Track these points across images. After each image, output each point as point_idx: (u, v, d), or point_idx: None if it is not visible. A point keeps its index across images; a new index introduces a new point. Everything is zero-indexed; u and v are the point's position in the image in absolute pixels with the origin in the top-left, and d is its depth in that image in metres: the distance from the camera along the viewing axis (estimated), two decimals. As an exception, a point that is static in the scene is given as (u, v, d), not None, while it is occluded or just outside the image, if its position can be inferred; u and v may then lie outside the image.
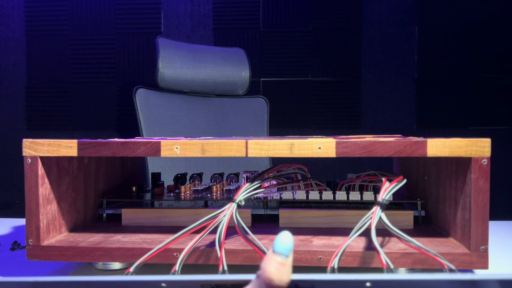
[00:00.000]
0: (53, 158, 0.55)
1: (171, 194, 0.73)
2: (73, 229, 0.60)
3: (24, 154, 0.53)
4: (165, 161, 1.45)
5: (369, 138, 0.56)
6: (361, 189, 0.67)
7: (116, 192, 0.73)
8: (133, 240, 0.55)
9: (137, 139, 0.56)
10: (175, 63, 1.52)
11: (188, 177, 0.81)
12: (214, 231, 0.46)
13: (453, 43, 2.03)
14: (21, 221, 0.90)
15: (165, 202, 0.68)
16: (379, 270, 0.49)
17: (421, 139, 0.50)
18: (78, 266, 0.60)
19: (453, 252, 0.49)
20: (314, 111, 2.07)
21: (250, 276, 0.29)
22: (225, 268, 0.42)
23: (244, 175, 0.74)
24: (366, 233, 0.44)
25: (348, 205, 0.64)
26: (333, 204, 0.64)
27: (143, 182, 0.86)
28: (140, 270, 0.46)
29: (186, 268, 0.44)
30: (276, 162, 1.57)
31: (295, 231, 0.58)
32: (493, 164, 0.50)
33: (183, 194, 0.72)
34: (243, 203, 0.49)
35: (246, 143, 0.51)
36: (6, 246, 0.71)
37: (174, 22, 2.09)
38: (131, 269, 0.41)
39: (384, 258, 0.40)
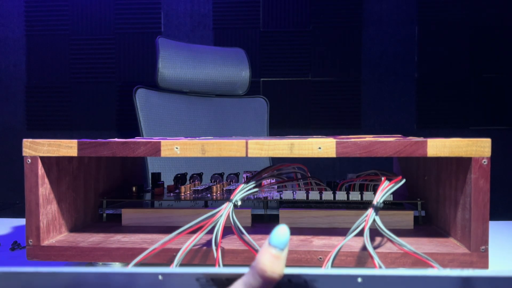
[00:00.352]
0: (53, 158, 0.55)
1: (171, 194, 0.73)
2: (73, 229, 0.60)
3: (24, 154, 0.53)
4: (165, 161, 1.45)
5: (369, 138, 0.56)
6: (361, 189, 0.67)
7: (116, 192, 0.73)
8: (133, 240, 0.55)
9: (137, 139, 0.56)
10: (175, 63, 1.52)
11: (188, 177, 0.81)
12: (212, 231, 0.46)
13: (453, 43, 2.03)
14: (21, 221, 0.90)
15: (165, 202, 0.68)
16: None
17: (421, 139, 0.50)
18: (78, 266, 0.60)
19: (453, 252, 0.49)
20: (314, 111, 2.07)
21: (245, 269, 0.29)
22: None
23: (244, 175, 0.74)
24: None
25: (348, 205, 0.64)
26: (333, 204, 0.64)
27: (143, 182, 0.86)
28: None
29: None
30: (276, 162, 1.57)
31: (295, 231, 0.58)
32: (493, 164, 0.50)
33: (183, 194, 0.72)
34: (239, 203, 0.49)
35: (246, 143, 0.51)
36: (6, 246, 0.71)
37: (174, 22, 2.09)
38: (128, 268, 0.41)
39: (376, 260, 0.40)
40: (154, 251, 0.45)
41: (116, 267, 0.31)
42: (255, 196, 0.68)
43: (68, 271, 0.31)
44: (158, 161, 1.43)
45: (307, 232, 0.58)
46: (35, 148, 0.52)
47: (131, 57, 2.09)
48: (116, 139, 0.54)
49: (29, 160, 0.52)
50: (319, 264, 0.50)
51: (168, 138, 0.58)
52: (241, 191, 0.50)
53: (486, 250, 0.49)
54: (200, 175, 0.81)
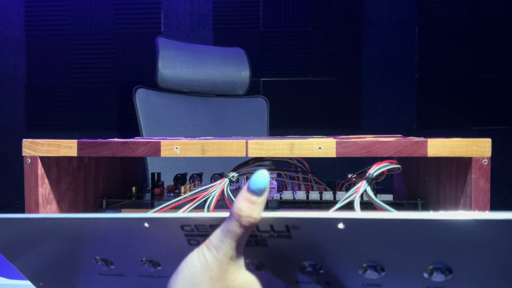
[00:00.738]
0: (52, 158, 0.55)
1: (171, 194, 0.73)
2: (73, 229, 0.60)
3: (24, 154, 0.53)
4: (165, 161, 1.45)
5: (369, 138, 0.56)
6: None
7: (116, 192, 0.73)
8: (133, 240, 0.55)
9: (137, 139, 0.56)
10: (175, 63, 1.52)
11: (188, 177, 0.80)
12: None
13: (453, 43, 2.03)
14: (21, 221, 0.89)
15: (165, 202, 0.68)
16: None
17: (421, 139, 0.50)
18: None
19: (454, 252, 0.49)
20: (314, 111, 2.07)
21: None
22: None
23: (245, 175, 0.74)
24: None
25: (349, 205, 0.63)
26: (334, 204, 0.64)
27: (143, 182, 0.85)
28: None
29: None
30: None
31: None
32: (493, 164, 0.50)
33: (183, 194, 0.71)
34: (235, 178, 0.49)
35: (246, 143, 0.51)
36: (6, 246, 0.71)
37: (174, 22, 2.09)
38: None
39: None
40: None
41: (103, 214, 0.31)
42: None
43: (55, 217, 0.32)
44: (158, 161, 1.43)
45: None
46: (35, 148, 0.52)
47: (131, 57, 2.09)
48: (116, 139, 0.54)
49: (29, 160, 0.52)
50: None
51: (168, 138, 0.58)
52: (239, 169, 0.50)
53: (487, 250, 0.49)
54: (200, 175, 0.81)
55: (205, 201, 0.46)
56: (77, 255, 0.33)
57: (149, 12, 2.09)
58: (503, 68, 2.02)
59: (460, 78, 2.03)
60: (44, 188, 0.53)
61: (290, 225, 0.29)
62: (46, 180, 0.54)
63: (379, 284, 0.30)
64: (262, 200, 0.29)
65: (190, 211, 0.44)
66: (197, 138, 0.63)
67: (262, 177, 0.29)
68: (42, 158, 0.53)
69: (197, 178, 0.80)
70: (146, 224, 0.30)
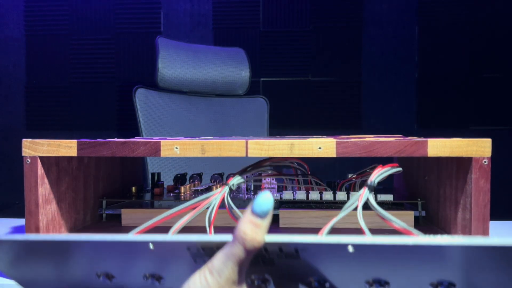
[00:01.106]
0: (52, 158, 0.55)
1: (171, 194, 0.73)
2: (73, 229, 0.60)
3: (23, 154, 0.52)
4: (165, 161, 1.45)
5: (369, 138, 0.56)
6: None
7: (116, 192, 0.73)
8: (133, 240, 0.55)
9: (136, 139, 0.56)
10: (175, 63, 1.52)
11: (188, 177, 0.80)
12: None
13: (453, 43, 2.03)
14: (21, 221, 0.90)
15: (165, 202, 0.68)
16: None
17: (421, 139, 0.50)
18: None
19: (454, 252, 0.49)
20: (314, 111, 2.07)
21: None
22: None
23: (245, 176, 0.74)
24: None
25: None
26: (334, 205, 0.64)
27: (143, 182, 0.85)
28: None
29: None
30: (276, 162, 1.56)
31: (296, 231, 0.58)
32: (493, 164, 0.50)
33: (183, 194, 0.71)
34: (235, 187, 0.49)
35: (246, 143, 0.51)
36: (5, 246, 0.71)
37: (174, 22, 2.09)
38: None
39: (368, 234, 0.41)
40: (147, 228, 0.45)
41: (107, 235, 0.31)
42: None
43: (61, 239, 0.31)
44: (158, 161, 1.43)
45: (307, 232, 0.58)
46: (35, 148, 0.52)
47: (131, 57, 2.09)
48: (116, 139, 0.54)
49: (29, 160, 0.52)
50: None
51: (167, 138, 0.58)
52: (239, 177, 0.50)
53: (487, 250, 0.49)
54: (200, 175, 0.81)
55: (206, 210, 0.46)
56: (78, 273, 0.33)
57: (149, 12, 2.09)
58: (503, 68, 2.02)
59: (460, 78, 2.03)
60: (44, 188, 0.53)
61: (300, 249, 0.29)
62: (46, 180, 0.54)
63: None
64: (266, 223, 0.28)
65: (192, 220, 0.45)
66: (197, 138, 0.63)
67: (266, 200, 0.29)
68: (42, 158, 0.53)
69: (197, 178, 0.80)
70: (151, 246, 0.30)
